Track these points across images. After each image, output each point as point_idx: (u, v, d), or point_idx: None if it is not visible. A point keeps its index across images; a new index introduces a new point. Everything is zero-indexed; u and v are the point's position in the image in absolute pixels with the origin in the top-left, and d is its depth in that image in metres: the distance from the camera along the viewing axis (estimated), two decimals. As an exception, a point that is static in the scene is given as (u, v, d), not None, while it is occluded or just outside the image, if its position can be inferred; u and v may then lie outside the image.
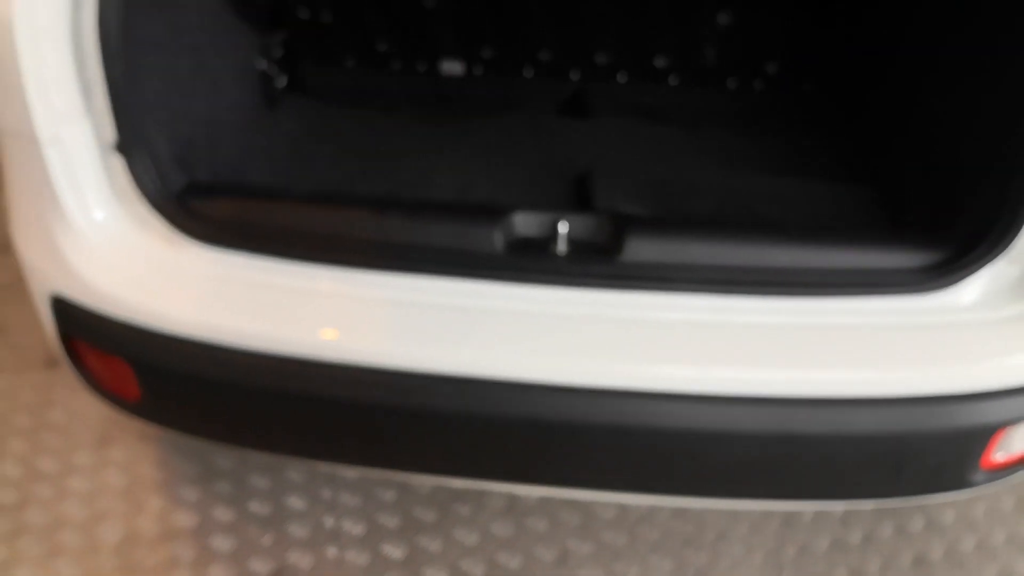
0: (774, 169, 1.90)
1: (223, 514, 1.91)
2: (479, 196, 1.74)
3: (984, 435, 1.30)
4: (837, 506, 1.85)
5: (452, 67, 2.07)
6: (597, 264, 1.31)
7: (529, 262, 1.31)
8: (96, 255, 1.35)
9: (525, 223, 1.35)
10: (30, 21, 1.19)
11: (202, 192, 1.41)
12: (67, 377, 2.14)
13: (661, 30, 1.97)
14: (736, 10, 1.93)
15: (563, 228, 1.33)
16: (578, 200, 1.72)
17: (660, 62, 2.03)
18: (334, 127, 1.98)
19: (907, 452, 1.30)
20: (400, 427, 1.31)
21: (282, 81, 2.02)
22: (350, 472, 1.94)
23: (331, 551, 1.83)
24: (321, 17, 1.98)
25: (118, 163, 1.33)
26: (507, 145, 1.94)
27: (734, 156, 1.94)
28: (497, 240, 1.32)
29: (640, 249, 1.31)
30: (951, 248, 1.33)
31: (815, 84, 2.08)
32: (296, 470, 1.97)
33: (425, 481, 1.87)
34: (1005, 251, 1.29)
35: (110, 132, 1.32)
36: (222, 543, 1.86)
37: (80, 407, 2.15)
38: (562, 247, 1.33)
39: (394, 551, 1.84)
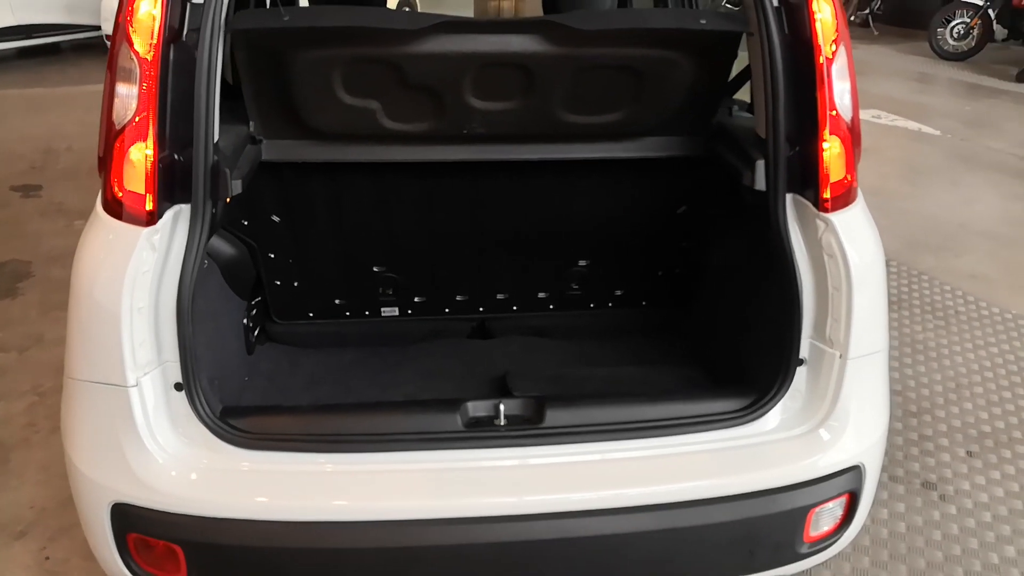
0: (629, 361, 2.62)
1: None
2: None
3: (800, 515, 1.91)
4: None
5: (391, 311, 2.72)
6: (529, 430, 1.90)
7: (481, 433, 1.89)
8: (157, 466, 1.81)
9: (475, 408, 1.94)
10: (130, 303, 1.74)
11: (235, 413, 1.92)
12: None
13: (541, 275, 2.75)
14: (590, 259, 2.75)
15: (502, 408, 1.92)
16: (501, 394, 2.33)
17: (542, 295, 2.79)
18: (300, 364, 2.55)
19: (752, 533, 1.89)
20: (404, 565, 1.79)
21: (256, 332, 2.60)
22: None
23: None
24: (291, 283, 2.62)
25: (176, 398, 1.84)
26: (437, 363, 2.56)
27: (599, 356, 2.66)
28: (458, 421, 1.90)
29: (555, 417, 1.92)
30: (756, 395, 2.00)
31: (649, 302, 2.89)
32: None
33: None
34: (787, 393, 1.98)
35: (172, 376, 1.83)
36: None
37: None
38: (502, 421, 1.92)
39: None
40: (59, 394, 3.51)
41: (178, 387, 1.84)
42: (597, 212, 2.57)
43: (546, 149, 2.34)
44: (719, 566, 1.92)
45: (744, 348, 2.25)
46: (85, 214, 6.14)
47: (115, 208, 1.78)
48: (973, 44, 10.41)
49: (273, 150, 2.24)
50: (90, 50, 9.85)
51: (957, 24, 10.44)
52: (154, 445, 1.81)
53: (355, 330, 2.73)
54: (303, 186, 2.38)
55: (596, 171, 2.45)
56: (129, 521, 1.82)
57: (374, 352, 2.63)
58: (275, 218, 2.44)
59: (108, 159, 1.76)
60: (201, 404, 1.83)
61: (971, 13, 10.34)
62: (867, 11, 12.40)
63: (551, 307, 2.82)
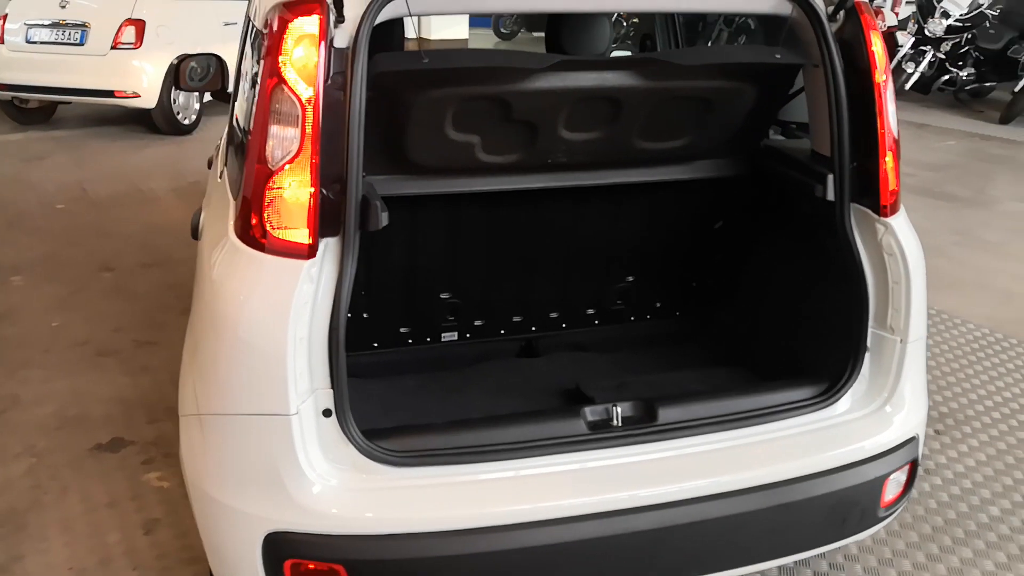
0: (673, 367, 2.81)
1: None
2: None
3: (880, 483, 2.18)
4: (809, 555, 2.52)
5: (450, 336, 2.83)
6: (647, 428, 2.08)
7: (607, 434, 2.05)
8: (315, 491, 1.87)
9: (593, 412, 2.10)
10: (295, 334, 1.81)
11: (376, 435, 1.99)
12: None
13: (591, 292, 2.97)
14: (635, 274, 2.98)
15: (618, 411, 2.10)
16: (576, 404, 2.48)
17: (590, 311, 2.98)
18: (366, 392, 2.61)
19: (845, 502, 2.14)
20: (563, 559, 1.92)
21: None
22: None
23: None
24: (361, 315, 2.68)
25: (325, 423, 1.91)
26: (501, 381, 2.69)
27: (647, 363, 2.86)
28: (582, 425, 2.06)
29: (667, 415, 2.11)
30: (828, 382, 2.26)
31: (683, 312, 3.15)
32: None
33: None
34: (855, 378, 2.26)
35: (321, 403, 1.90)
36: None
37: None
38: (619, 422, 2.10)
39: None
40: (57, 454, 3.41)
41: (326, 413, 1.91)
42: (646, 230, 2.80)
43: (616, 174, 2.56)
44: (819, 535, 2.16)
45: (799, 344, 2.52)
46: (20, 269, 5.94)
47: (265, 244, 1.85)
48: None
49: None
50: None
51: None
52: (311, 471, 1.87)
53: (414, 357, 2.82)
54: None
55: (648, 192, 2.68)
56: (287, 548, 1.86)
57: (433, 377, 2.72)
58: None
59: (260, 197, 1.84)
60: (352, 428, 1.91)
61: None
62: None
63: (596, 322, 3.02)
